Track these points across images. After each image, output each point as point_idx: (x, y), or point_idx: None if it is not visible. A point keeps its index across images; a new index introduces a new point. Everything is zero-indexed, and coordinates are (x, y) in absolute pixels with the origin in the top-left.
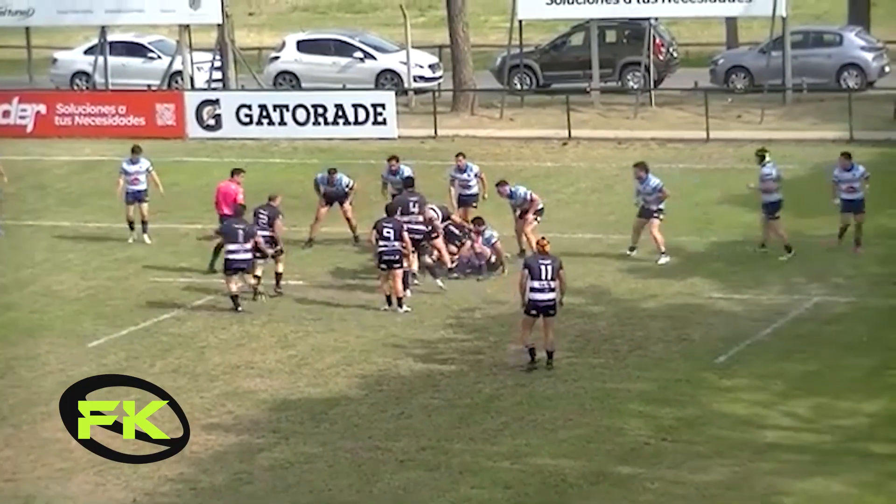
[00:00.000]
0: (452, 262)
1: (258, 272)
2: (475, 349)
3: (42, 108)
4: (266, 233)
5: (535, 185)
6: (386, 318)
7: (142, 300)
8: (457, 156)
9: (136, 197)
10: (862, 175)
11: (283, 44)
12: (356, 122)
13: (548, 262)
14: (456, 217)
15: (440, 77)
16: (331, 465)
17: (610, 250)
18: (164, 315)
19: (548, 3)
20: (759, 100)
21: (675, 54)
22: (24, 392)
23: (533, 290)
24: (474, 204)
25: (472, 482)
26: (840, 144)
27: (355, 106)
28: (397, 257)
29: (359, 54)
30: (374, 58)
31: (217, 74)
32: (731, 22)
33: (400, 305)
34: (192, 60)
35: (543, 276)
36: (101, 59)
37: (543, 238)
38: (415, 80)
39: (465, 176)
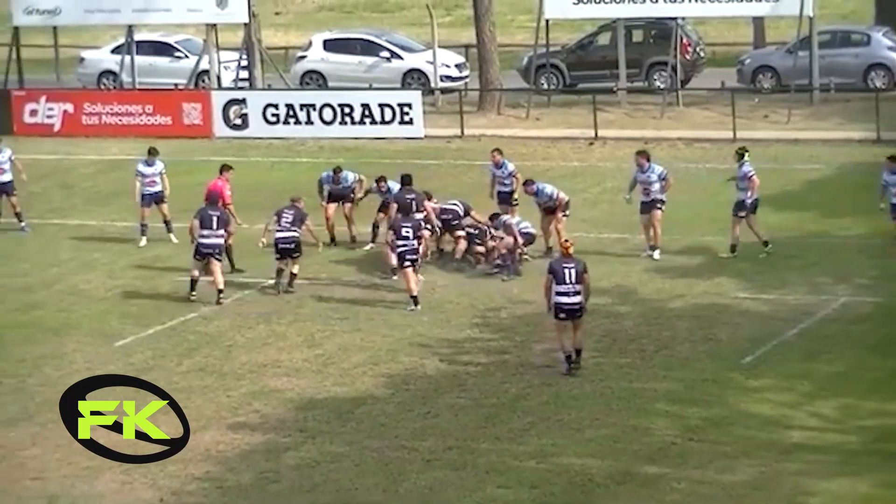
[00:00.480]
0: (493, 259)
1: (295, 269)
2: (501, 349)
3: (69, 108)
4: (291, 233)
5: (562, 184)
6: (412, 318)
7: (168, 299)
8: (492, 151)
9: (154, 199)
10: None
11: (310, 43)
12: (383, 122)
13: (572, 265)
14: (475, 215)
15: (467, 77)
16: (357, 464)
17: (636, 250)
18: (191, 314)
19: (574, 3)
20: (785, 100)
21: (701, 54)
22: (51, 391)
23: (558, 293)
24: (514, 203)
25: (498, 482)
26: (866, 145)
27: (382, 105)
28: (417, 256)
29: (385, 54)
30: (401, 57)
31: (244, 74)
32: (758, 22)
33: (415, 303)
34: (218, 60)
35: (568, 280)
36: (128, 58)
37: (567, 241)
38: (441, 80)
39: (500, 172)
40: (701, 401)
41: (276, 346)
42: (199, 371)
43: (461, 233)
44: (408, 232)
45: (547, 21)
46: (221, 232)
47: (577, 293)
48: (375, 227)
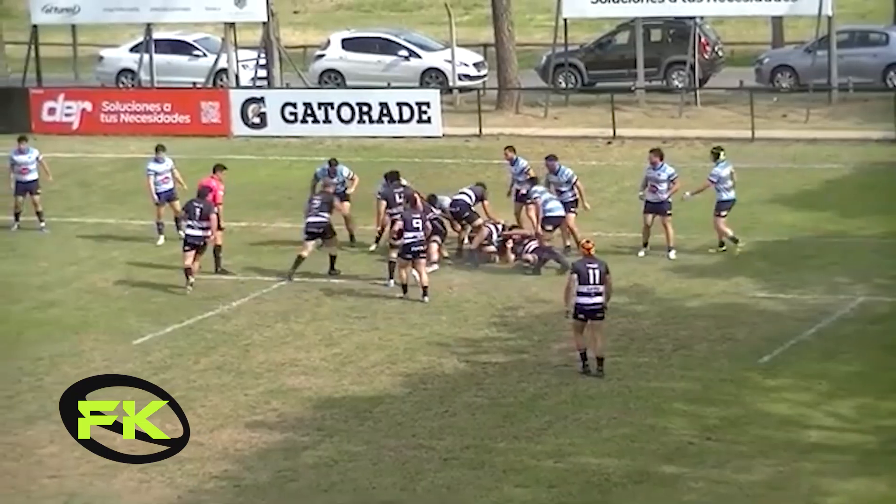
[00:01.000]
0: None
1: (334, 251)
2: (519, 348)
3: (88, 106)
4: (322, 218)
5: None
6: (430, 317)
7: (186, 298)
8: (505, 149)
9: (167, 196)
10: None
11: (328, 42)
12: (401, 121)
13: (595, 265)
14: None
15: (485, 75)
16: (374, 463)
17: (654, 250)
18: (209, 312)
19: (593, 2)
20: (804, 99)
21: (720, 53)
22: None
23: (580, 294)
24: (528, 201)
25: (515, 481)
26: (885, 144)
27: (400, 104)
28: (424, 248)
29: (403, 52)
30: (419, 56)
31: (262, 72)
32: (776, 21)
33: (425, 293)
34: (237, 58)
35: (591, 281)
36: (146, 56)
37: (588, 241)
38: (459, 79)
39: (513, 169)
40: (718, 400)
41: (293, 344)
42: (216, 369)
43: (479, 222)
44: (418, 223)
45: (565, 20)
46: (205, 224)
47: (599, 294)
48: (381, 229)
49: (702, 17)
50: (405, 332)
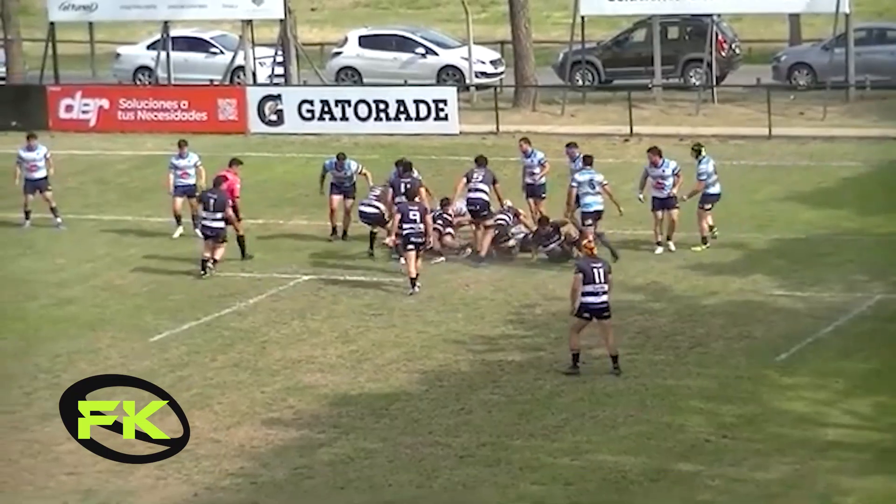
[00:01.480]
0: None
1: (388, 240)
2: (535, 345)
3: (105, 103)
4: (374, 209)
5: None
6: (447, 314)
7: (203, 295)
8: (520, 140)
9: (185, 191)
10: None
11: (345, 39)
12: (418, 118)
13: (599, 265)
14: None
15: (502, 73)
16: (391, 460)
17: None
18: (226, 310)
19: (610, 0)
20: (821, 97)
21: (737, 51)
22: None
23: (587, 293)
24: (543, 195)
25: (531, 478)
26: None
27: (417, 102)
28: (422, 238)
29: (420, 50)
30: (436, 53)
31: (279, 70)
32: (794, 18)
33: (413, 285)
34: (254, 56)
35: (597, 280)
36: (163, 54)
37: (590, 241)
38: (476, 76)
39: (528, 161)
40: (735, 398)
41: (310, 342)
42: (233, 367)
43: (490, 222)
44: (415, 215)
45: (582, 17)
46: (219, 215)
47: (605, 293)
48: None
49: (719, 15)
50: (421, 330)
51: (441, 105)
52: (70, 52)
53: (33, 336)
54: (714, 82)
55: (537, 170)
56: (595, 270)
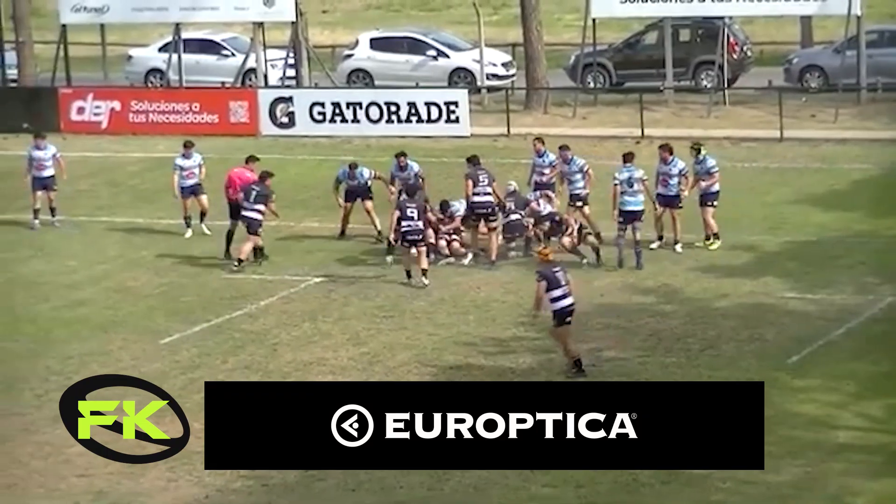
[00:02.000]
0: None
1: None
2: (546, 347)
3: (116, 105)
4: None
5: (608, 183)
6: (458, 317)
7: (214, 297)
8: (534, 140)
9: (192, 191)
10: None
11: (357, 41)
12: (429, 120)
13: (558, 269)
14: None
15: (513, 75)
16: None
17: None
18: (237, 312)
19: (622, 2)
20: (833, 99)
21: (749, 53)
22: None
23: (558, 298)
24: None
25: (542, 481)
26: None
27: (428, 104)
28: (420, 236)
29: (432, 52)
30: (448, 56)
31: (290, 72)
32: (805, 21)
33: (424, 275)
34: (265, 58)
35: (562, 282)
36: (175, 56)
37: (546, 248)
38: (488, 79)
39: (540, 161)
40: None
41: (321, 344)
42: (244, 369)
43: (494, 224)
44: (412, 212)
45: (594, 20)
46: (259, 207)
47: (571, 293)
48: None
49: (730, 17)
50: (432, 332)
51: (452, 107)
52: (81, 54)
53: (45, 338)
54: (726, 84)
55: (548, 170)
56: (556, 275)
